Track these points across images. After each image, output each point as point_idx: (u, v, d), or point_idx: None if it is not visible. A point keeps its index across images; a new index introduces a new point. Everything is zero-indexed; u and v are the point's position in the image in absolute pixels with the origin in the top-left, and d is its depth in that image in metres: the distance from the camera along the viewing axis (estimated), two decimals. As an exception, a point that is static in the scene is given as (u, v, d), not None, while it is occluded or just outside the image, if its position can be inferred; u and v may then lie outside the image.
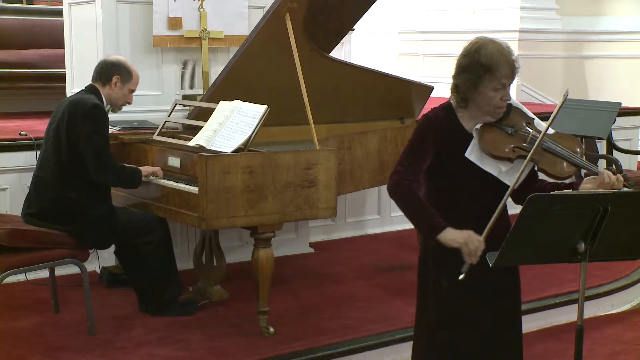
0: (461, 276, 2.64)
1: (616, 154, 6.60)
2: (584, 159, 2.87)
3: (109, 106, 4.19)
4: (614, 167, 6.01)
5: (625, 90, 8.56)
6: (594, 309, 4.73)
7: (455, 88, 2.85)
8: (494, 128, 2.86)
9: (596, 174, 2.76)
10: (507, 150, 2.82)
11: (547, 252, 2.55)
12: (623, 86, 8.74)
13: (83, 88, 4.16)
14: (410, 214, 2.83)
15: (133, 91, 4.20)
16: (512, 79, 2.82)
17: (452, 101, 2.90)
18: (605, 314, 4.81)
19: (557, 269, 4.73)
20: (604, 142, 6.62)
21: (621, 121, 6.89)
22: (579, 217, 2.43)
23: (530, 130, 2.86)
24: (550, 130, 2.86)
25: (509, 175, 2.83)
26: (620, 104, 6.20)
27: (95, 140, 3.91)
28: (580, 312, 2.59)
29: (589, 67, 9.21)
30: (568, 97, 2.81)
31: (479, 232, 2.70)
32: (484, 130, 2.85)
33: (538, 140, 2.75)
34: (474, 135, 2.85)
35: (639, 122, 7.52)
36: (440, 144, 2.83)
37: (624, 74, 8.89)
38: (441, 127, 2.84)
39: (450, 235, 2.69)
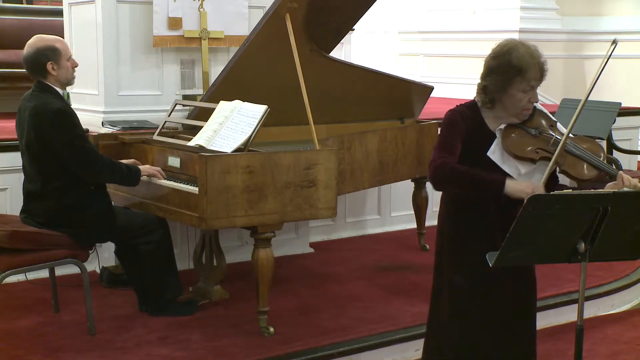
0: None
1: (616, 154, 6.60)
2: (606, 162, 2.89)
3: (66, 92, 4.07)
4: (614, 167, 6.01)
5: (625, 90, 8.56)
6: (594, 309, 4.73)
7: (484, 89, 2.87)
8: (517, 129, 2.88)
9: (614, 176, 2.77)
10: (530, 151, 2.84)
11: (547, 252, 2.55)
12: (623, 86, 8.74)
13: (33, 87, 3.98)
14: (467, 185, 2.81)
15: (71, 56, 4.00)
16: (541, 81, 2.85)
17: (477, 101, 2.91)
18: (605, 314, 4.81)
19: (557, 269, 4.72)
20: (604, 142, 6.62)
21: (621, 121, 6.89)
22: (579, 217, 2.43)
23: (553, 133, 2.88)
24: (571, 134, 2.87)
25: (528, 177, 2.85)
26: (620, 104, 6.21)
27: (73, 146, 3.83)
28: (580, 312, 2.59)
29: (589, 67, 9.21)
30: (568, 98, 2.82)
31: (494, 233, 2.73)
32: (507, 131, 2.88)
33: (562, 140, 2.77)
34: (497, 135, 2.88)
35: (639, 122, 7.52)
36: (465, 138, 2.84)
37: (623, 74, 8.89)
38: (466, 123, 2.86)
39: (516, 186, 2.72)
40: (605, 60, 2.75)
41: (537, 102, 2.91)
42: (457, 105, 2.96)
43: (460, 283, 2.92)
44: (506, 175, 2.83)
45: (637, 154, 7.14)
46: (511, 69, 2.79)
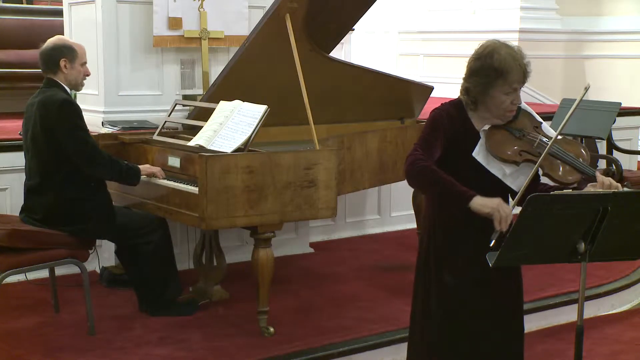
0: (492, 243, 2.63)
1: (616, 154, 6.60)
2: (589, 164, 2.88)
3: (73, 91, 4.13)
4: (614, 167, 6.01)
5: (625, 90, 8.55)
6: (594, 309, 4.73)
7: (466, 90, 2.85)
8: (501, 130, 2.87)
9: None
10: (513, 153, 2.82)
11: (547, 252, 2.55)
12: (623, 86, 8.73)
13: (42, 84, 4.05)
14: (435, 188, 2.78)
15: (85, 63, 4.07)
16: (523, 83, 2.83)
17: (462, 100, 2.90)
18: (605, 314, 4.81)
19: (557, 269, 4.74)
20: (604, 142, 6.62)
21: (621, 121, 6.89)
22: (579, 217, 2.43)
23: (538, 134, 2.87)
24: (559, 136, 2.86)
25: (513, 178, 2.84)
26: (620, 104, 6.20)
27: (76, 136, 3.88)
28: (580, 312, 2.59)
29: (589, 67, 9.21)
30: (568, 98, 2.82)
31: (483, 231, 2.72)
32: (491, 132, 2.86)
33: (548, 146, 2.75)
34: (482, 135, 2.86)
35: (639, 122, 7.52)
36: (450, 139, 2.83)
37: (624, 74, 8.89)
38: (452, 123, 2.84)
39: (482, 202, 2.66)
40: (578, 102, 2.73)
41: (520, 104, 2.89)
42: (442, 104, 2.93)
43: (450, 282, 2.91)
44: (489, 179, 2.82)
45: (637, 154, 7.14)
46: (493, 72, 2.76)
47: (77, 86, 4.10)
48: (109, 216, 4.03)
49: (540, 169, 2.82)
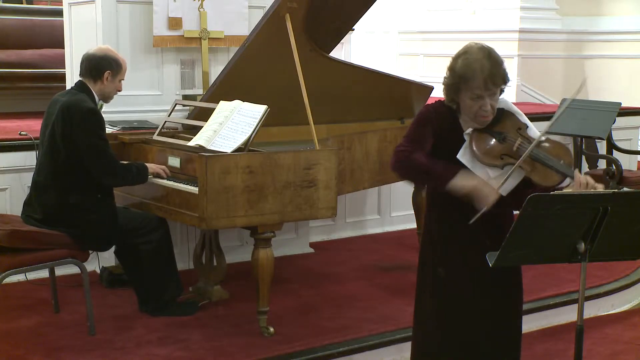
0: (471, 221, 2.67)
1: (616, 154, 6.60)
2: (572, 167, 2.85)
3: (100, 102, 4.15)
4: (614, 167, 6.01)
5: (625, 90, 8.56)
6: (594, 309, 4.74)
7: (444, 90, 2.87)
8: (484, 134, 2.85)
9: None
10: (493, 156, 2.81)
11: (547, 252, 2.55)
12: (623, 86, 8.74)
13: (73, 85, 4.09)
14: (416, 175, 2.85)
15: (122, 79, 4.12)
16: (489, 91, 2.75)
17: None
18: (605, 314, 4.81)
19: (557, 269, 4.74)
20: (604, 142, 6.62)
21: (621, 121, 6.89)
22: (579, 217, 2.44)
23: (518, 137, 2.84)
24: (544, 137, 2.83)
25: (498, 181, 2.81)
26: (620, 104, 6.21)
27: (96, 146, 3.88)
28: (580, 312, 2.60)
29: (589, 67, 9.21)
30: (568, 98, 2.80)
31: (473, 228, 2.71)
32: (474, 135, 2.85)
33: (528, 150, 2.73)
34: (466, 138, 2.85)
35: (639, 122, 7.53)
36: (438, 136, 2.83)
37: (624, 74, 8.89)
38: (440, 120, 2.84)
39: (461, 181, 2.68)
40: (574, 95, 2.78)
41: (489, 111, 2.80)
42: (433, 102, 2.93)
43: (448, 281, 2.91)
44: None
45: (637, 154, 7.14)
46: (457, 76, 2.76)
47: (108, 99, 4.14)
48: (111, 230, 4.01)
49: (524, 172, 2.80)
